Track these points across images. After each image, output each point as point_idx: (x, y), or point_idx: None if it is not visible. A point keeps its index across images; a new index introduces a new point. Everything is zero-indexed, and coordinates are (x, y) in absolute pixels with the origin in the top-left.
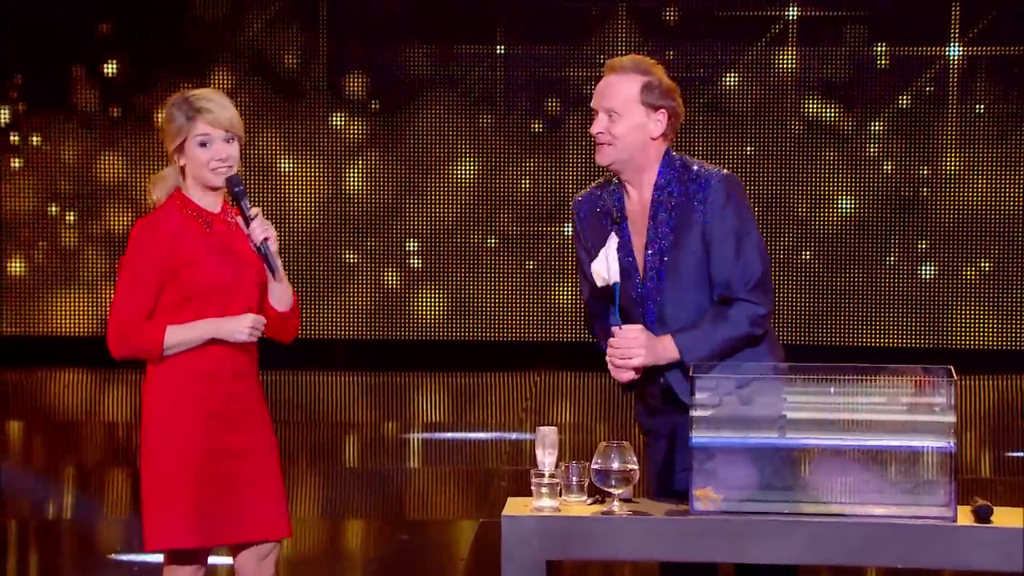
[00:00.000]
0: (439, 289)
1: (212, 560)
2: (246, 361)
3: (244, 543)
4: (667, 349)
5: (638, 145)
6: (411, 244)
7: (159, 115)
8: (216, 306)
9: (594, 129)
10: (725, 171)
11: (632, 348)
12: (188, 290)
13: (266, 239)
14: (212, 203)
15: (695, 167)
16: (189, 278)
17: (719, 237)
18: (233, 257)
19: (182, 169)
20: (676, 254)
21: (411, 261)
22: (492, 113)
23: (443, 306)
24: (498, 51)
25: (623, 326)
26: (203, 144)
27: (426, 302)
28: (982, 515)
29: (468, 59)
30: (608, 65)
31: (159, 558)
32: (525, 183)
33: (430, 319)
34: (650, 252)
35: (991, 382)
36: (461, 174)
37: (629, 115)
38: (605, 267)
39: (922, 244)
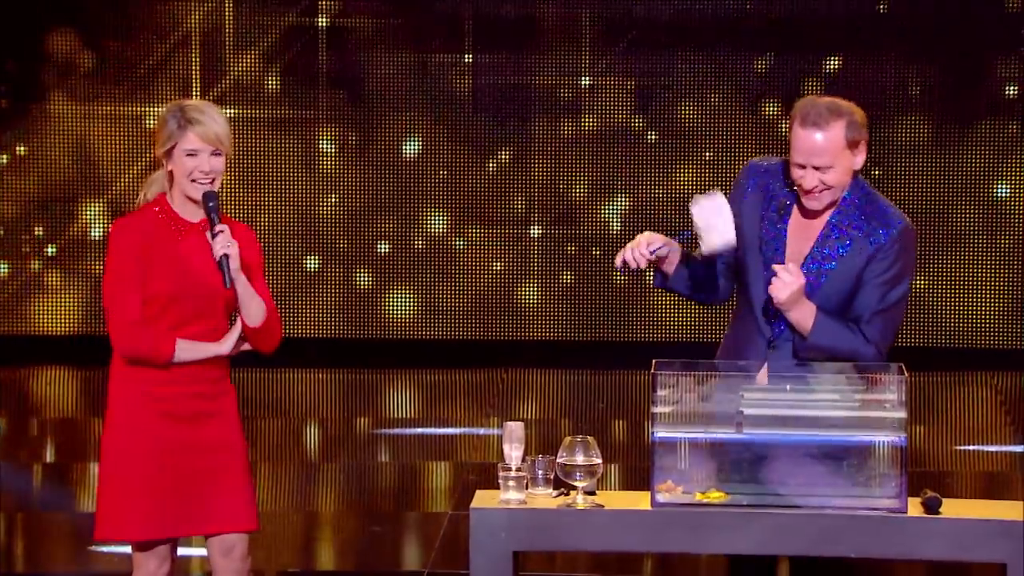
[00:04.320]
0: (409, 289)
1: (184, 552)
2: (212, 361)
3: (210, 536)
4: (805, 316)
5: (847, 181)
6: (382, 246)
7: (150, 120)
8: (173, 314)
9: (808, 185)
10: (907, 220)
11: (790, 285)
12: (151, 294)
13: (225, 255)
14: (192, 212)
15: (880, 203)
16: (149, 282)
17: (875, 282)
18: (198, 268)
19: (169, 174)
20: (833, 278)
21: (381, 262)
22: (461, 118)
23: (413, 306)
24: (466, 59)
25: (789, 265)
26: (190, 155)
27: (396, 302)
28: (931, 507)
29: (437, 66)
30: (803, 117)
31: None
32: (492, 187)
33: (400, 318)
34: (808, 267)
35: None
36: (429, 178)
37: (839, 162)
38: (719, 235)
39: None
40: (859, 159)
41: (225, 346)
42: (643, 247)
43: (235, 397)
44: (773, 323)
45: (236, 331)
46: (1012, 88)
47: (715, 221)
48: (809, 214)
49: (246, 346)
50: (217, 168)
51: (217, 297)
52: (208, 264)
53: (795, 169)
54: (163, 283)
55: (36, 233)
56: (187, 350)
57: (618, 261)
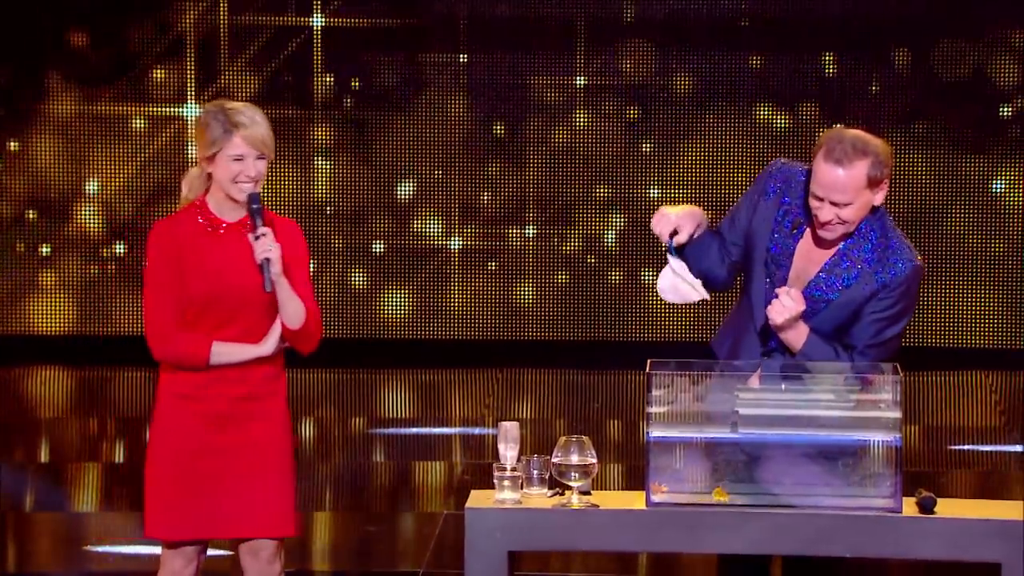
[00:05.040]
0: (404, 289)
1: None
2: (264, 360)
3: (242, 539)
4: (798, 337)
5: (864, 216)
6: (377, 245)
7: (129, 121)
8: (218, 316)
9: (823, 218)
10: (918, 259)
11: (788, 310)
12: (188, 296)
13: (267, 259)
14: (231, 212)
15: (894, 240)
16: (189, 285)
17: (873, 317)
18: (239, 270)
19: (208, 175)
20: (834, 307)
21: (376, 262)
22: (455, 118)
23: (408, 305)
24: (461, 59)
25: (791, 291)
26: (236, 160)
27: (392, 301)
28: (926, 506)
29: (432, 66)
30: (829, 151)
31: (133, 549)
32: (487, 186)
33: (395, 318)
34: (811, 291)
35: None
36: (424, 178)
37: (858, 200)
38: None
39: None
40: (879, 197)
41: (267, 347)
42: (667, 223)
43: (285, 397)
44: (771, 338)
45: (277, 331)
46: (1012, 86)
47: (683, 287)
48: (821, 239)
49: (286, 344)
50: (261, 171)
51: (256, 298)
52: (248, 265)
53: (813, 200)
54: (201, 285)
55: (30, 232)
56: (224, 353)
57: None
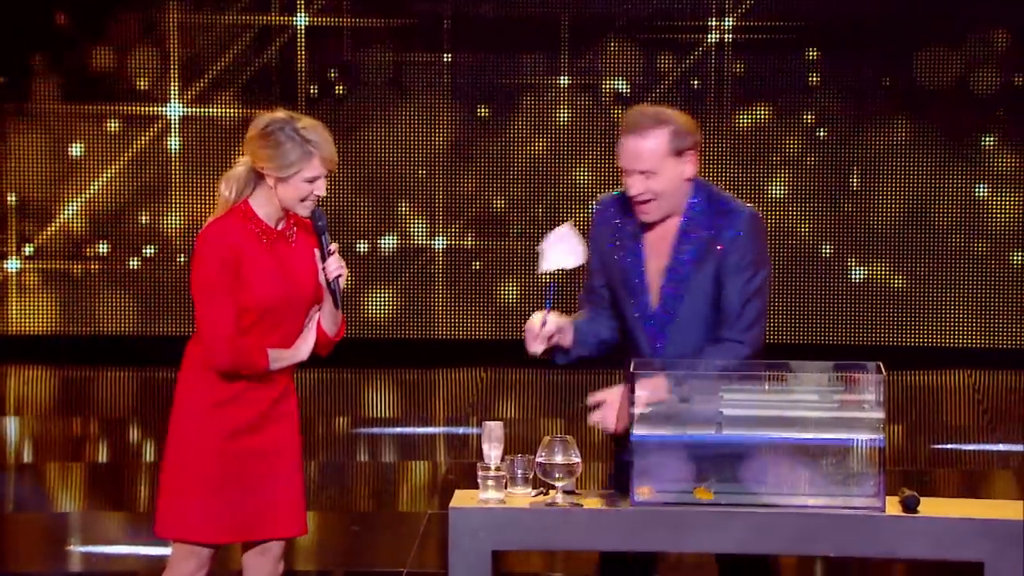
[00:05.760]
0: (388, 289)
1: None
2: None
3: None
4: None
5: (677, 192)
6: (361, 245)
7: (112, 121)
8: (267, 323)
9: (633, 191)
10: (751, 208)
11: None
12: (242, 304)
13: (339, 276)
14: (276, 218)
15: (723, 201)
16: (244, 293)
17: (731, 274)
18: (289, 277)
19: (256, 180)
20: (693, 284)
21: (361, 262)
22: (439, 118)
23: (392, 305)
24: (445, 59)
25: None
26: (310, 180)
27: (376, 301)
28: (909, 505)
29: (416, 66)
30: (628, 125)
31: (115, 549)
32: (471, 186)
33: (379, 318)
34: (668, 279)
35: (918, 377)
36: (409, 177)
37: (664, 169)
38: (567, 250)
39: (855, 246)
40: (689, 168)
41: (305, 352)
42: (537, 333)
43: (297, 398)
44: (656, 347)
45: (312, 337)
46: (993, 89)
47: (562, 247)
48: (660, 229)
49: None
50: (324, 188)
51: (305, 307)
52: (297, 273)
53: (625, 178)
54: (257, 294)
55: (13, 232)
56: (277, 359)
57: (536, 349)
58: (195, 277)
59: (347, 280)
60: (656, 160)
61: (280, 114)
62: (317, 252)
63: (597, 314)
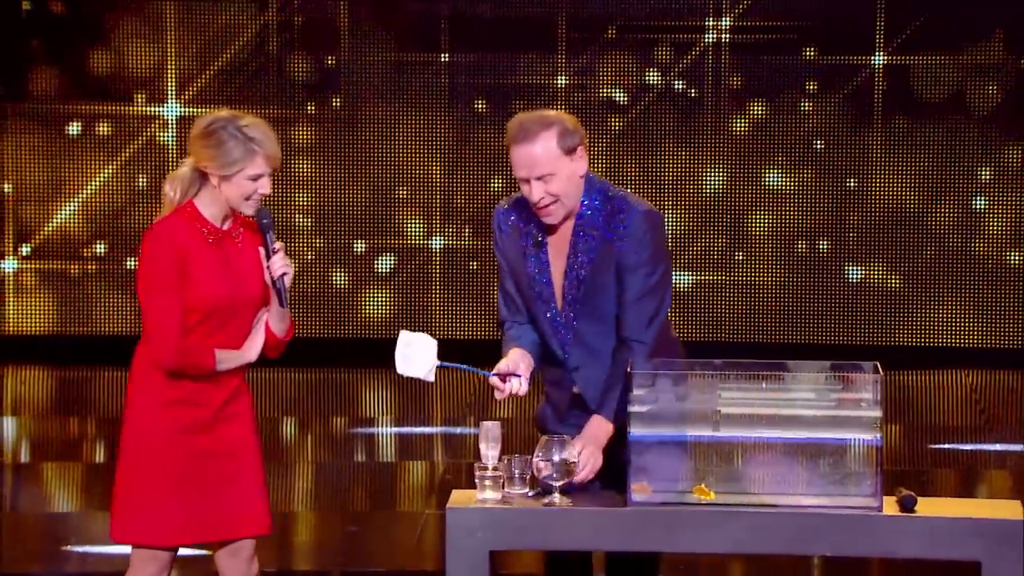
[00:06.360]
0: (385, 289)
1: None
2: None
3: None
4: (603, 429)
5: (575, 190)
6: (358, 245)
7: (109, 121)
8: (214, 322)
9: (535, 197)
10: (646, 206)
11: (588, 466)
12: (189, 304)
13: (284, 275)
14: (221, 218)
15: (617, 199)
16: (191, 293)
17: (630, 272)
18: (235, 277)
19: (200, 180)
20: (593, 284)
21: (357, 262)
22: (436, 118)
23: (389, 305)
24: (443, 59)
25: (576, 460)
26: (253, 178)
27: (373, 301)
28: (906, 505)
29: (413, 66)
30: (514, 134)
31: (112, 549)
32: (468, 186)
33: (377, 317)
34: (568, 280)
35: (915, 377)
36: (405, 177)
37: (560, 169)
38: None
39: (853, 246)
40: (581, 164)
41: (254, 353)
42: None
43: (251, 397)
44: (566, 350)
45: (260, 338)
46: (990, 89)
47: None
48: (561, 231)
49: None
50: (269, 186)
51: (252, 307)
52: (244, 273)
53: (523, 187)
54: (203, 293)
55: (10, 232)
56: (224, 360)
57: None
58: (141, 276)
59: (292, 279)
60: (551, 162)
61: (223, 113)
62: (262, 250)
63: (520, 324)
